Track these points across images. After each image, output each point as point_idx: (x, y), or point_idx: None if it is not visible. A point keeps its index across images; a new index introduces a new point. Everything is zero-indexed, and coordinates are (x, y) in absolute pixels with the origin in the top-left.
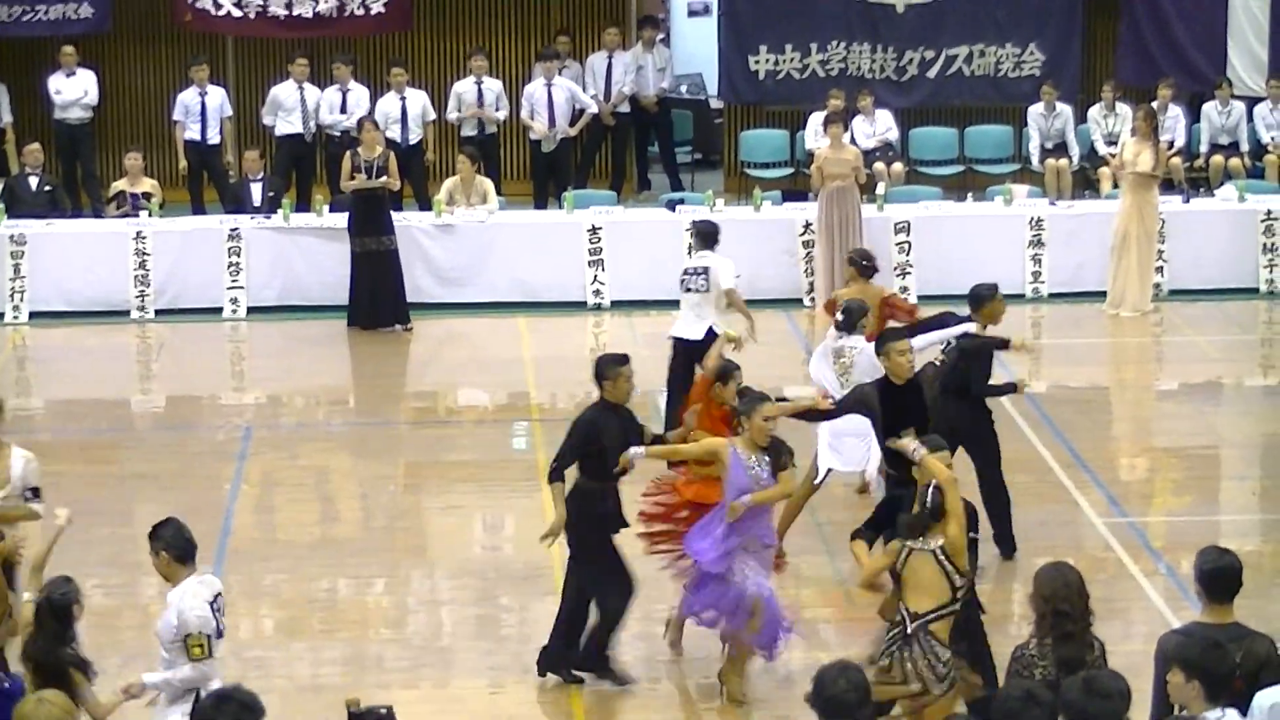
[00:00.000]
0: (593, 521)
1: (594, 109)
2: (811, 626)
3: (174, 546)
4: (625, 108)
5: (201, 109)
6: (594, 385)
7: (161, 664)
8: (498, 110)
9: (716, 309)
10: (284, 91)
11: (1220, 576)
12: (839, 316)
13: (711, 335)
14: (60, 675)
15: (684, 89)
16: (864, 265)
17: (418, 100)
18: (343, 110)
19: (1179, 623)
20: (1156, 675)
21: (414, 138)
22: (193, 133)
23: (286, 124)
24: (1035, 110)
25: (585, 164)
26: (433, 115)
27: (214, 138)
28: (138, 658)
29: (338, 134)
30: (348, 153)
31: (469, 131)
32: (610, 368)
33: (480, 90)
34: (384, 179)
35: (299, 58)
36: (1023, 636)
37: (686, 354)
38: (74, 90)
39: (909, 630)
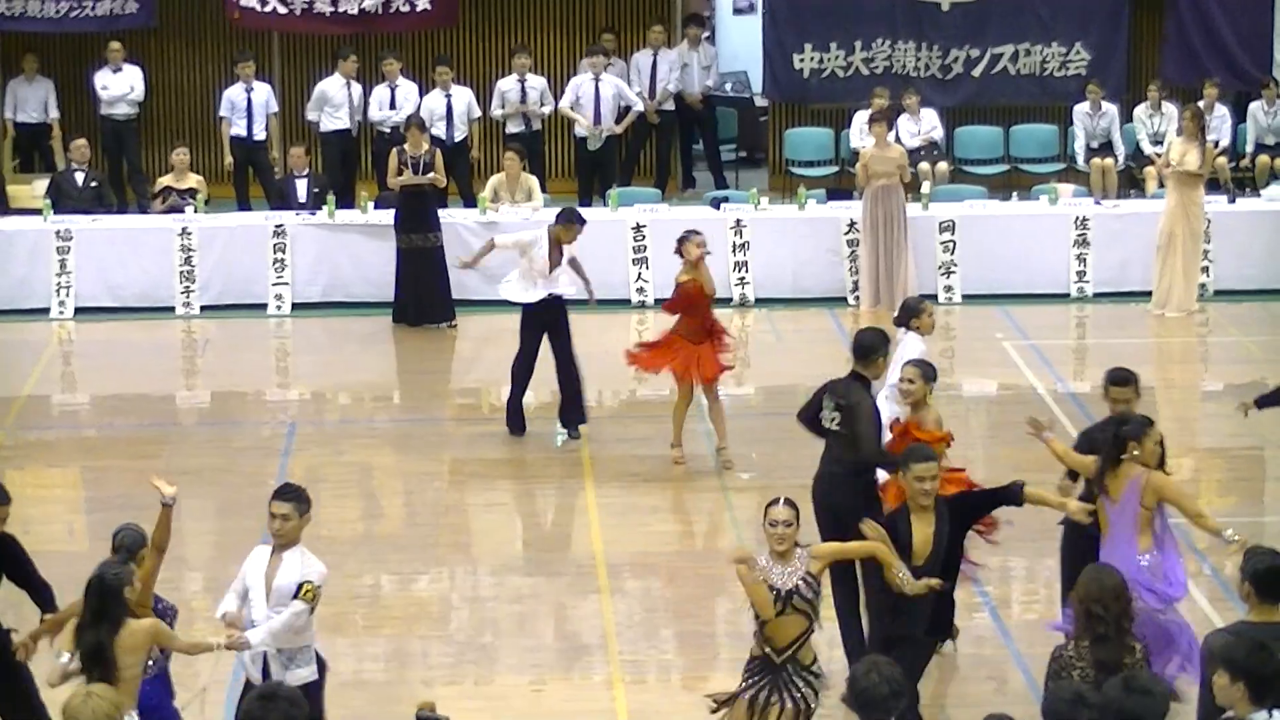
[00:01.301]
0: None
1: (640, 107)
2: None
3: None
4: (670, 105)
5: (247, 105)
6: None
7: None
8: (542, 107)
9: (542, 275)
10: (331, 87)
11: (1272, 577)
12: (898, 314)
13: (553, 299)
14: (103, 663)
15: (729, 87)
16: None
17: (463, 98)
18: (392, 106)
19: (1223, 623)
20: (1202, 675)
21: (459, 135)
22: (238, 129)
23: (333, 120)
24: (1081, 109)
25: (630, 162)
26: (478, 113)
27: (259, 134)
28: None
29: (387, 130)
30: (394, 149)
31: (514, 129)
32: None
33: (524, 88)
34: (431, 175)
35: (350, 55)
36: (1050, 639)
37: (533, 317)
38: (120, 86)
39: (779, 662)
